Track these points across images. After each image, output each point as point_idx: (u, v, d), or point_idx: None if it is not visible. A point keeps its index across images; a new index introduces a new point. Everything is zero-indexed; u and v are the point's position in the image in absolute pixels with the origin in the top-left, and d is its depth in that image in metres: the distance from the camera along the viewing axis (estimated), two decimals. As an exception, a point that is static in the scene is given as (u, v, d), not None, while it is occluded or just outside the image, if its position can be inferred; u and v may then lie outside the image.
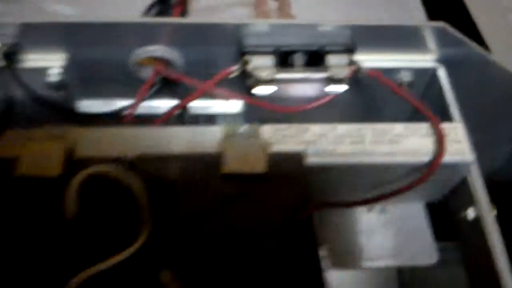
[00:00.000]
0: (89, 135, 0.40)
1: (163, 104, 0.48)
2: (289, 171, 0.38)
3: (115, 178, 0.36)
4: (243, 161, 0.38)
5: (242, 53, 0.45)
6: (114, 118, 0.47)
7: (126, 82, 0.48)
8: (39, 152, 0.37)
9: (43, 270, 0.34)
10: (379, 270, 0.54)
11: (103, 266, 0.32)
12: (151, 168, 0.38)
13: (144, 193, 0.35)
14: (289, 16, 0.52)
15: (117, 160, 0.38)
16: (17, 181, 0.36)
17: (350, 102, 0.48)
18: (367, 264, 0.36)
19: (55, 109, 0.46)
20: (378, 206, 0.48)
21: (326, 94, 0.45)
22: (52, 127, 0.40)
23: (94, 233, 0.35)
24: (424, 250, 0.47)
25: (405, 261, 0.47)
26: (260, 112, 0.46)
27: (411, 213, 0.48)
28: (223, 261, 0.35)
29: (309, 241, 0.35)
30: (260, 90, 0.44)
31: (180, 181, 0.37)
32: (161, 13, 0.52)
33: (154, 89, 0.47)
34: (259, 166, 0.38)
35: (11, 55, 0.44)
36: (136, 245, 0.34)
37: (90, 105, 0.50)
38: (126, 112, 0.46)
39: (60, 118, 0.45)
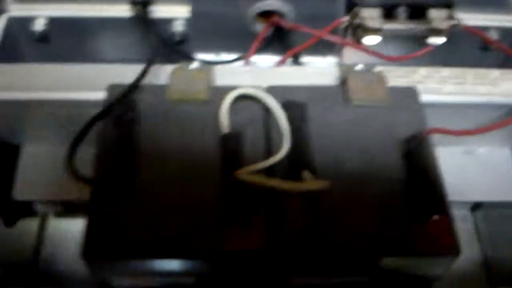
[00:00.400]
0: (224, 69, 0.44)
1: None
2: (406, 102, 0.42)
3: (257, 98, 0.40)
4: (366, 92, 0.42)
5: (351, 6, 0.49)
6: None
7: (241, 36, 0.53)
8: (188, 79, 0.42)
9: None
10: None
11: (261, 165, 0.37)
12: (283, 94, 0.42)
13: (282, 112, 0.40)
14: None
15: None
16: (170, 105, 0.41)
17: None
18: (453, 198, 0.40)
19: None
20: (467, 148, 0.52)
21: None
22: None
23: (243, 145, 0.39)
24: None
25: (489, 196, 0.51)
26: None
27: (499, 156, 0.52)
28: (353, 168, 0.39)
29: (429, 156, 0.40)
30: (368, 40, 0.49)
31: (310, 105, 0.42)
32: None
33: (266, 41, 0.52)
34: (381, 97, 0.42)
35: (145, 4, 0.49)
36: (282, 152, 0.38)
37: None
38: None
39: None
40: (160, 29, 0.50)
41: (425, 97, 0.44)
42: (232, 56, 0.55)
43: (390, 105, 0.42)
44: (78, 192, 0.44)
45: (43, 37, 0.50)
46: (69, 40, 0.52)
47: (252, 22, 0.51)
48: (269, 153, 0.39)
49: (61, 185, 0.48)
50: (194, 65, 0.44)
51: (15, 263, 0.50)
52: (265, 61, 0.56)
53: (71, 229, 0.53)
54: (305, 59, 0.55)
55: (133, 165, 0.38)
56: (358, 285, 0.40)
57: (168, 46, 0.49)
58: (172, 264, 0.37)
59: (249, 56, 0.51)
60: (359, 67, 0.44)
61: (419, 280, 0.39)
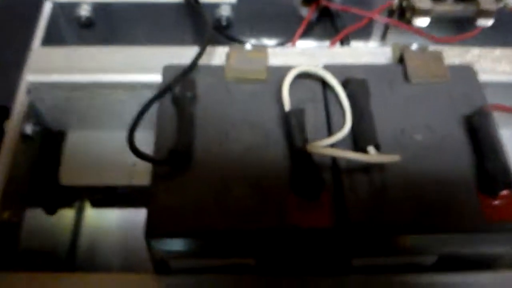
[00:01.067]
0: (276, 51, 0.45)
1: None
2: (464, 79, 0.42)
3: (316, 76, 0.40)
4: (425, 70, 0.42)
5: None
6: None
7: (284, 21, 0.53)
8: (245, 57, 0.41)
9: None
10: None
11: (327, 141, 0.37)
12: (341, 72, 0.42)
13: (340, 87, 0.40)
14: None
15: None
16: (229, 85, 0.41)
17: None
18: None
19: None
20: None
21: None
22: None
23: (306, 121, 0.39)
24: None
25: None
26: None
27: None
28: (417, 144, 0.39)
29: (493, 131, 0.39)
30: (417, 22, 0.48)
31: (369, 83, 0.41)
32: None
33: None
34: (439, 74, 0.42)
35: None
36: (346, 128, 0.38)
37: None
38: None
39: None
40: (207, 13, 0.48)
41: (480, 76, 0.43)
42: (273, 41, 0.54)
43: (449, 82, 0.41)
44: (121, 178, 0.45)
45: (88, 23, 0.50)
46: (113, 26, 0.51)
47: (297, 6, 0.50)
48: (330, 130, 0.39)
49: (105, 171, 0.48)
50: (248, 46, 0.43)
51: (53, 252, 0.49)
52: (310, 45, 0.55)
53: (108, 219, 0.52)
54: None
55: (193, 143, 0.38)
56: (420, 266, 0.39)
57: (217, 30, 0.48)
58: (234, 242, 0.36)
59: (295, 40, 0.51)
60: (414, 46, 0.43)
61: (486, 258, 0.38)
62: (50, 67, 0.44)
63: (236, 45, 0.44)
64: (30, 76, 0.44)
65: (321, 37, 0.55)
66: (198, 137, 0.38)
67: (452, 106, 0.41)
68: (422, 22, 0.49)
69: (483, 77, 0.44)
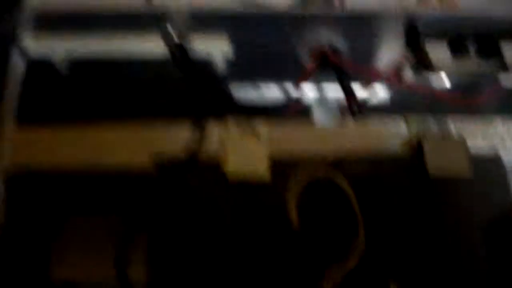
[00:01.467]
0: (277, 133, 0.40)
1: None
2: (489, 173, 0.38)
3: (331, 182, 0.36)
4: (445, 162, 0.37)
5: (413, 38, 0.43)
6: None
7: (284, 65, 0.48)
8: (244, 153, 0.37)
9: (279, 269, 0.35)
10: None
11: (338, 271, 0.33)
12: (352, 167, 0.37)
13: (353, 196, 0.35)
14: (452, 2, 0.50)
15: (320, 161, 0.37)
16: (228, 184, 0.36)
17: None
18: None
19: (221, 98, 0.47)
20: None
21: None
22: (240, 121, 0.39)
23: (316, 236, 0.35)
24: None
25: None
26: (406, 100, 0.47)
27: None
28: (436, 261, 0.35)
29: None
30: (433, 78, 0.43)
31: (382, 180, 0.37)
32: None
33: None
34: (461, 168, 0.37)
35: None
36: (358, 250, 0.34)
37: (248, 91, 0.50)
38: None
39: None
40: (199, 66, 0.43)
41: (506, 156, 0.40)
42: (272, 86, 0.50)
43: (471, 178, 0.37)
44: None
45: (66, 78, 0.44)
46: (93, 80, 0.45)
47: (302, 55, 0.45)
48: (343, 243, 0.35)
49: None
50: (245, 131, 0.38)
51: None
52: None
53: None
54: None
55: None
56: None
57: (209, 87, 0.43)
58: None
59: (299, 89, 0.47)
60: (432, 127, 0.38)
61: None
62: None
63: (231, 132, 0.38)
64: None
65: (321, 82, 0.49)
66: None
67: (474, 206, 0.38)
68: (439, 79, 0.43)
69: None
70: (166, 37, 0.43)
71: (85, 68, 0.45)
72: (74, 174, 0.40)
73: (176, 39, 0.42)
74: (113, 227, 0.43)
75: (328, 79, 0.48)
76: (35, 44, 0.45)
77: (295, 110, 0.46)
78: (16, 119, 0.42)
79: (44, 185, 0.42)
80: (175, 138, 0.40)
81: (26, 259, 0.41)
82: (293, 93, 0.48)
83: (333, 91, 0.49)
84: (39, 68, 0.45)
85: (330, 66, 0.46)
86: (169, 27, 0.42)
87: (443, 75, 0.44)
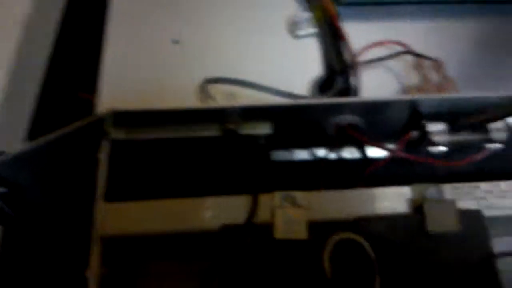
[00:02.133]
0: (319, 199, 0.52)
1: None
2: (474, 226, 0.50)
3: (356, 242, 0.48)
4: (440, 220, 0.50)
5: (418, 120, 0.56)
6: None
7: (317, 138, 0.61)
8: (289, 218, 0.50)
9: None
10: None
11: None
12: (368, 227, 0.50)
13: (371, 251, 0.48)
14: (450, 81, 0.63)
15: (344, 222, 0.50)
16: (276, 243, 0.49)
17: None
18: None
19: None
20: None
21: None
22: (284, 194, 0.52)
23: (343, 283, 0.47)
24: None
25: None
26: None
27: None
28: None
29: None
30: (433, 150, 0.56)
31: (392, 239, 0.50)
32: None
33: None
34: (453, 224, 0.50)
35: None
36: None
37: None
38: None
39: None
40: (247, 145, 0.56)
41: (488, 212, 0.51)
42: (303, 153, 0.62)
43: (460, 232, 0.49)
44: None
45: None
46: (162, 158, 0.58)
47: (328, 129, 0.58)
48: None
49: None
50: (289, 198, 0.51)
51: None
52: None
53: None
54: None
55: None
56: None
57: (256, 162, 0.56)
58: None
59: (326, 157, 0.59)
60: (431, 191, 0.51)
61: None
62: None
63: (278, 202, 0.51)
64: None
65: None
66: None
67: (461, 256, 0.49)
68: (437, 150, 0.56)
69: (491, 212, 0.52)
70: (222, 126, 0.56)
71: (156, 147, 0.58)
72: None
73: (230, 127, 0.55)
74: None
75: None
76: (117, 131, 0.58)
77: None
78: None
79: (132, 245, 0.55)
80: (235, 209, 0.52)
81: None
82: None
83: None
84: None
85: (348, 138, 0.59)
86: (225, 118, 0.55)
87: (440, 147, 0.56)
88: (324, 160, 0.59)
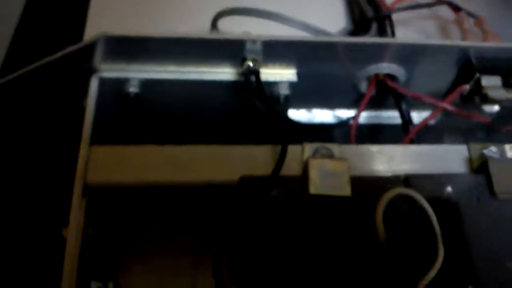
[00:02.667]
0: (360, 154, 0.43)
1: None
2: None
3: (412, 198, 0.38)
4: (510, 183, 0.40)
5: (468, 72, 0.47)
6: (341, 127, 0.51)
7: (348, 95, 0.51)
8: (327, 170, 0.39)
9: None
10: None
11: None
12: (426, 185, 0.40)
13: (432, 211, 0.38)
14: (494, 35, 0.54)
15: (392, 179, 0.40)
16: (311, 200, 0.38)
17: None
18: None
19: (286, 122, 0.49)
20: None
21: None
22: (317, 145, 0.42)
23: (400, 252, 0.37)
24: None
25: None
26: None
27: None
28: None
29: None
30: (487, 108, 0.47)
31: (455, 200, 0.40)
32: (380, 32, 0.54)
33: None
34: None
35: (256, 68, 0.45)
36: (437, 264, 0.36)
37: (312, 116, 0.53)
38: (350, 122, 0.50)
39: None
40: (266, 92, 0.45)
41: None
42: (325, 111, 0.53)
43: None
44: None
45: (137, 100, 0.46)
46: (164, 103, 0.47)
47: (360, 83, 0.48)
48: (424, 254, 0.38)
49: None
50: (324, 150, 0.40)
51: None
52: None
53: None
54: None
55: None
56: None
57: (275, 112, 0.45)
58: None
59: (358, 115, 0.50)
60: (494, 150, 0.41)
61: None
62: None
63: (311, 147, 0.41)
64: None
65: (378, 108, 0.52)
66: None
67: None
68: (491, 109, 0.46)
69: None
70: (241, 64, 0.45)
71: (156, 89, 0.47)
72: (150, 189, 0.42)
73: (251, 66, 0.45)
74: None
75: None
76: (108, 67, 0.46)
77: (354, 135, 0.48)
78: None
79: (121, 199, 0.43)
80: (253, 160, 0.42)
81: (99, 269, 0.43)
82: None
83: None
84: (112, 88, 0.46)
85: (388, 92, 0.49)
86: (245, 54, 0.45)
87: (495, 105, 0.47)
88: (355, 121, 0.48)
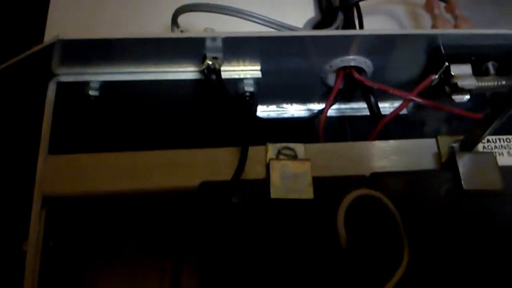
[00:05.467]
0: (324, 153, 0.42)
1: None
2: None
3: (373, 198, 0.37)
4: (477, 176, 0.39)
5: (437, 62, 0.45)
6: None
7: (318, 89, 0.50)
8: (289, 173, 0.38)
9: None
10: None
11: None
12: (389, 184, 0.39)
13: (396, 211, 0.37)
14: (466, 20, 0.52)
15: (357, 178, 0.39)
16: (273, 204, 0.37)
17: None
18: None
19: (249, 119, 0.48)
20: None
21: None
22: (280, 145, 0.40)
23: (362, 257, 0.36)
24: None
25: None
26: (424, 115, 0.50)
27: None
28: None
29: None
30: (457, 98, 0.45)
31: (416, 196, 0.39)
32: (347, 22, 0.52)
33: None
34: (493, 180, 0.39)
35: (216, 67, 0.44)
36: (401, 269, 0.35)
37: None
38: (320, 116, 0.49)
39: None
40: (229, 90, 0.44)
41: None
42: (295, 106, 0.52)
43: (503, 189, 0.39)
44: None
45: (97, 104, 0.44)
46: (125, 105, 0.46)
47: (328, 76, 0.46)
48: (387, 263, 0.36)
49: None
50: (287, 151, 0.39)
51: None
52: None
53: None
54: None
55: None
56: None
57: (241, 109, 0.45)
58: None
59: (327, 110, 0.49)
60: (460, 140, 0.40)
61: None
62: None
63: (277, 156, 0.39)
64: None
65: (348, 102, 0.51)
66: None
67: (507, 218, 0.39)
68: (461, 99, 0.45)
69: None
70: (202, 62, 0.44)
71: (117, 91, 0.46)
72: (112, 197, 0.40)
73: (210, 64, 0.43)
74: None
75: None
76: (66, 71, 0.45)
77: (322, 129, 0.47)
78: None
79: (81, 209, 0.42)
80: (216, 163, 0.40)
81: (65, 280, 0.42)
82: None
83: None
84: (71, 92, 0.45)
85: (355, 85, 0.47)
86: (205, 52, 0.43)
87: (465, 95, 0.45)
88: (323, 115, 0.47)
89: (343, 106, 0.53)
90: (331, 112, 0.52)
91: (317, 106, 0.52)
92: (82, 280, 0.44)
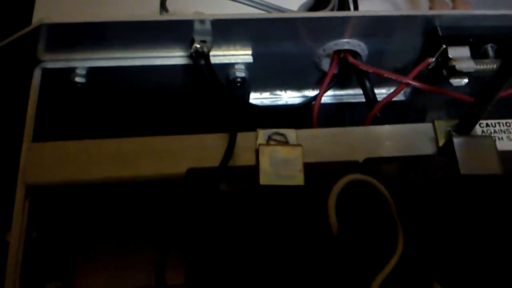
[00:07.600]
0: (315, 138, 0.40)
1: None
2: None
3: (366, 184, 0.35)
4: (476, 160, 0.37)
5: (435, 44, 0.44)
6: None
7: (312, 75, 0.48)
8: (279, 158, 0.36)
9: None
10: None
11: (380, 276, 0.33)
12: (384, 168, 0.37)
13: (390, 197, 0.35)
14: (465, 3, 0.51)
15: (349, 164, 0.37)
16: (262, 191, 0.36)
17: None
18: None
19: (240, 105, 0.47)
20: None
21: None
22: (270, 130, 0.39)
23: (354, 244, 0.34)
24: None
25: None
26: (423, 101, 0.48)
27: None
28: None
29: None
30: (455, 82, 0.43)
31: (415, 180, 0.37)
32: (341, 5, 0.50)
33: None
34: (492, 165, 0.37)
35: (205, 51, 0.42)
36: (395, 258, 0.34)
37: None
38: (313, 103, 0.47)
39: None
40: (220, 76, 0.43)
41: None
42: (289, 93, 0.50)
43: (502, 173, 0.37)
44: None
45: (84, 90, 0.43)
46: (112, 92, 0.44)
47: (322, 61, 0.45)
48: (382, 245, 0.35)
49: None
50: (279, 137, 0.38)
51: None
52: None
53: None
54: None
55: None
56: None
57: (231, 94, 0.44)
58: None
59: (321, 96, 0.47)
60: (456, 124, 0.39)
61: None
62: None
63: (267, 141, 0.38)
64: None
65: (344, 88, 0.49)
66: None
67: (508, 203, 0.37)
68: (459, 82, 0.43)
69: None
70: (190, 47, 0.42)
71: (104, 77, 0.44)
72: (98, 186, 0.39)
73: (199, 48, 0.42)
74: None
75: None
76: (52, 57, 0.44)
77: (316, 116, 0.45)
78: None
79: (66, 199, 0.41)
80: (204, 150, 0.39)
81: (51, 271, 0.40)
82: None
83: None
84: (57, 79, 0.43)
85: (350, 70, 0.46)
86: (194, 36, 0.42)
87: (464, 78, 0.43)
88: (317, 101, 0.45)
89: (339, 92, 0.50)
90: (328, 99, 0.50)
91: (312, 93, 0.51)
92: (69, 271, 0.42)
